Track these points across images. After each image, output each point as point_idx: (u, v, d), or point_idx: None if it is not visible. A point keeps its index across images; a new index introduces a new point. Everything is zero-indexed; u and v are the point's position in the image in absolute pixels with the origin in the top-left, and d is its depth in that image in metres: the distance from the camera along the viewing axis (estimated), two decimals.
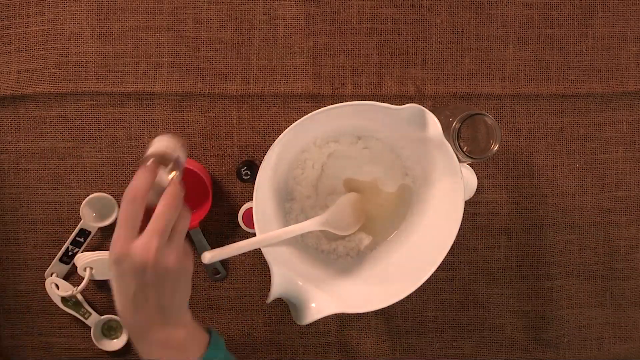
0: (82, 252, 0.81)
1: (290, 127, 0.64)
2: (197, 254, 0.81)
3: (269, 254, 0.66)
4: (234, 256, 0.82)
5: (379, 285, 0.69)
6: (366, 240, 0.73)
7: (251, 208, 0.68)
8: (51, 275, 0.81)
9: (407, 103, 0.63)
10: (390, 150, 0.73)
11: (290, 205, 0.73)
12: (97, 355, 0.83)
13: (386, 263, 0.72)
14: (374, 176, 0.73)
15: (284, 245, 0.69)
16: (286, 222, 0.72)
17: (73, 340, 0.83)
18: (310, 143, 0.71)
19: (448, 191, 0.67)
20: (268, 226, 0.68)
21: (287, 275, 0.66)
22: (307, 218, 0.72)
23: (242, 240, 0.65)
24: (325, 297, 0.66)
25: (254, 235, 0.66)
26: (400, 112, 0.63)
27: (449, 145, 0.64)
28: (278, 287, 0.65)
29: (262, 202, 0.67)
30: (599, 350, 0.85)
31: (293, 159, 0.72)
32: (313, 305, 0.65)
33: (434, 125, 0.64)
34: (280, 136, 0.64)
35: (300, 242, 0.73)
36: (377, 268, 0.72)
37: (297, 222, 0.72)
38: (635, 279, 0.85)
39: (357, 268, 0.72)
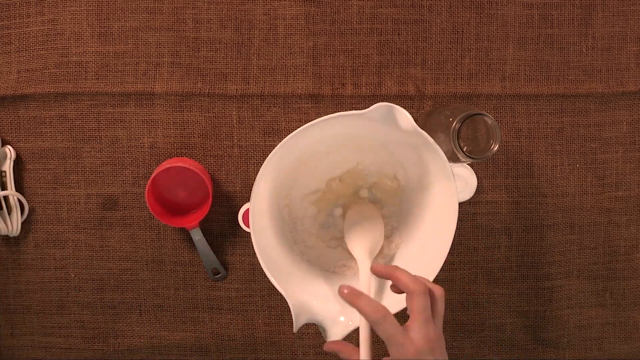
0: None
1: (269, 156, 0.62)
2: (197, 253, 0.81)
3: (280, 287, 0.64)
4: (234, 256, 0.82)
5: (386, 284, 0.69)
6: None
7: None
8: None
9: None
10: (382, 148, 0.71)
11: (293, 236, 0.72)
12: (97, 355, 0.83)
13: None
14: (367, 182, 0.73)
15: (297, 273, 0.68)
16: (293, 254, 0.71)
17: (73, 340, 0.83)
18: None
19: (442, 194, 0.66)
20: (274, 259, 0.67)
21: (304, 303, 0.65)
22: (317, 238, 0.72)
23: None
24: (350, 308, 0.65)
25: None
26: (369, 114, 0.61)
27: (434, 143, 0.63)
28: (299, 317, 0.64)
29: (263, 241, 0.66)
30: (599, 350, 0.85)
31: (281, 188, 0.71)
32: (342, 318, 0.65)
33: (404, 118, 0.61)
34: (261, 168, 0.63)
35: (315, 264, 0.72)
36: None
37: (306, 248, 0.72)
38: (635, 279, 0.85)
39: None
